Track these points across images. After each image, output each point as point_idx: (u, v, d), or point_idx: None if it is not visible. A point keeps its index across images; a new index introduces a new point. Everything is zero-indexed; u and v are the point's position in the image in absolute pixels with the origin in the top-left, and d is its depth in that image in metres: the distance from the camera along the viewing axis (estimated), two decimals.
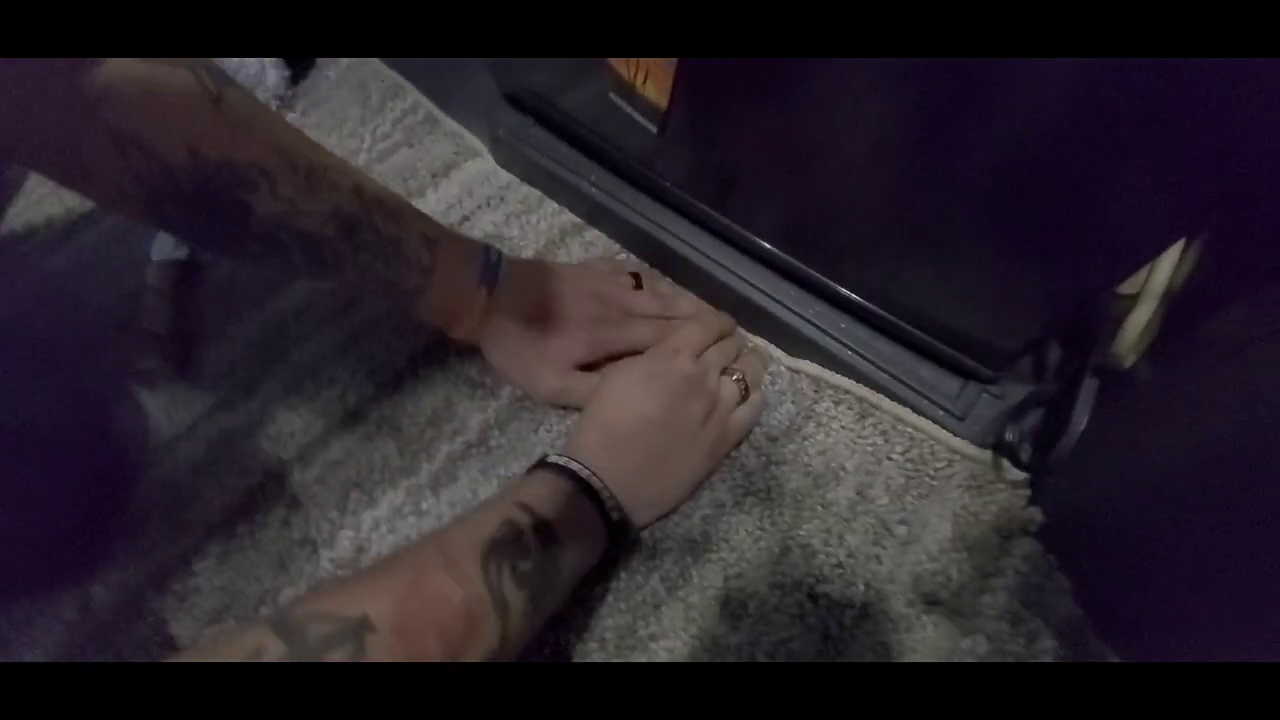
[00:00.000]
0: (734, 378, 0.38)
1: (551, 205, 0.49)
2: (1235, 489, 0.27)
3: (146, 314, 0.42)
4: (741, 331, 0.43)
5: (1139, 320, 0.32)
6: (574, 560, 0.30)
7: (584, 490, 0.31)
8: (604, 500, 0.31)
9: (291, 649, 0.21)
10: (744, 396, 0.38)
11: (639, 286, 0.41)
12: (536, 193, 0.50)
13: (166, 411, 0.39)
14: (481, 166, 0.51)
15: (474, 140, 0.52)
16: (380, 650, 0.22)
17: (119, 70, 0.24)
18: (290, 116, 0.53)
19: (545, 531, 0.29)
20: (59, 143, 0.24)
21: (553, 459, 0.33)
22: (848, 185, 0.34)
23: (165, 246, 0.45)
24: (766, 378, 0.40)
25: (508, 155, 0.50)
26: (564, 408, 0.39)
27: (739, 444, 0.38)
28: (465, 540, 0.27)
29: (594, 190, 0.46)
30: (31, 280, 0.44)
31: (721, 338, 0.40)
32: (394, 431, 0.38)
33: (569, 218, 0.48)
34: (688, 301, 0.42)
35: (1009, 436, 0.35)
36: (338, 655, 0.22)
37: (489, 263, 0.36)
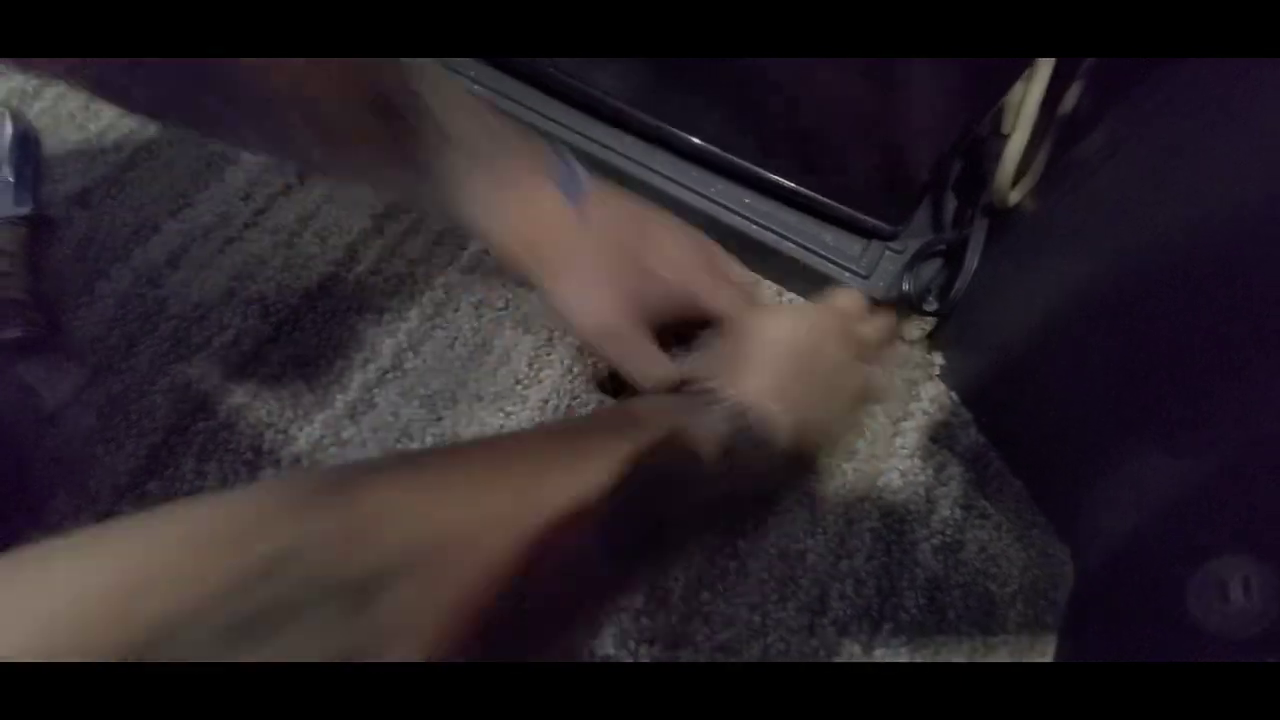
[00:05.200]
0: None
1: None
2: (1108, 305, 0.29)
3: (1, 280, 0.38)
4: None
5: (1014, 152, 0.33)
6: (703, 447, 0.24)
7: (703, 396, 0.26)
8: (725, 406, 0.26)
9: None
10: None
11: None
12: None
13: (46, 383, 0.36)
14: None
15: None
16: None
17: None
18: None
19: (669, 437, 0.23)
20: None
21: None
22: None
23: (4, 203, 0.40)
24: None
25: None
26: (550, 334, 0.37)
27: (865, 405, 0.35)
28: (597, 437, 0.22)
29: (475, 87, 0.43)
30: None
31: None
32: (301, 369, 0.36)
33: None
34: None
35: (906, 287, 0.36)
36: None
37: (571, 175, 0.30)
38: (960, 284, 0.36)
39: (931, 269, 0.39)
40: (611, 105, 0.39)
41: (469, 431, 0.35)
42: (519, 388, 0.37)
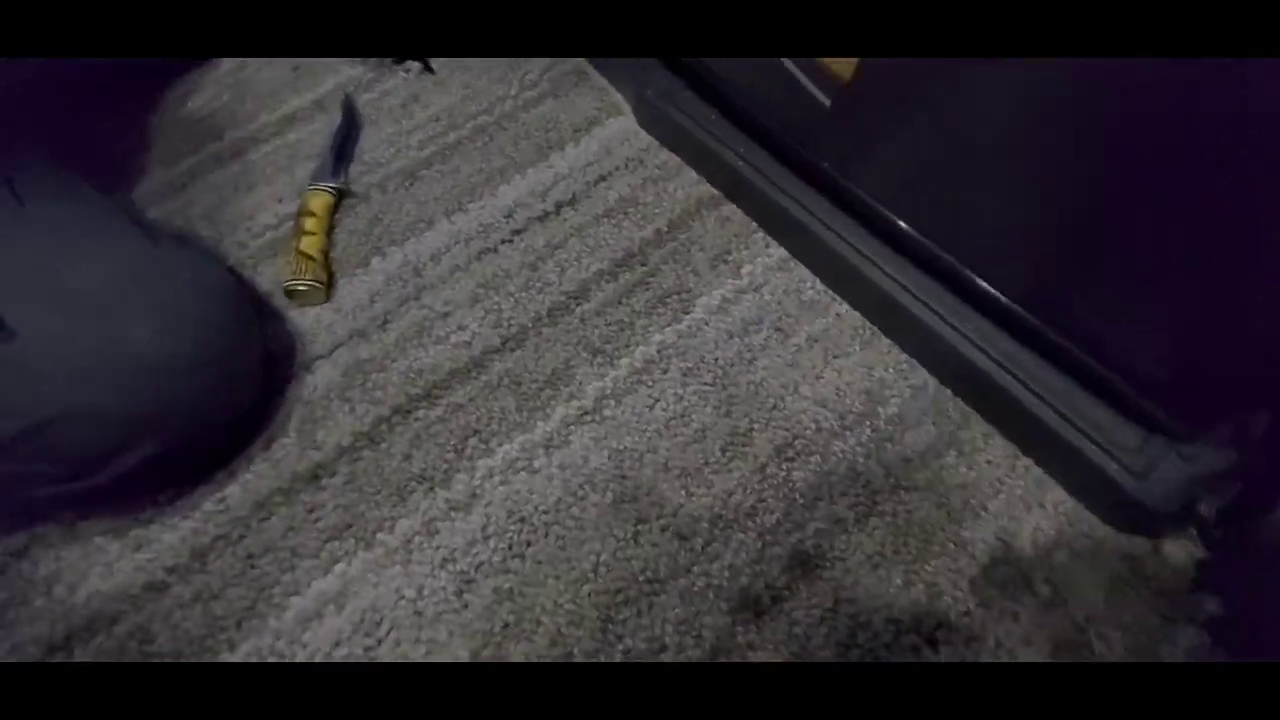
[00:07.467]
0: None
1: (690, 174, 0.47)
2: None
3: (304, 237, 0.44)
4: None
5: None
6: None
7: None
8: None
9: None
10: None
11: None
12: (676, 159, 0.47)
13: (311, 333, 0.41)
14: (623, 126, 0.49)
15: (618, 97, 0.51)
16: None
17: None
18: (437, 61, 0.53)
19: None
20: None
21: None
22: (1046, 181, 0.30)
23: (324, 173, 0.47)
24: (907, 391, 0.37)
25: (651, 117, 0.48)
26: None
27: None
28: None
29: (740, 163, 0.43)
30: (199, 192, 0.48)
31: None
32: (514, 386, 0.38)
33: (707, 189, 0.46)
34: None
35: (1203, 510, 0.30)
36: None
37: None
38: (1272, 524, 0.29)
39: (1228, 489, 0.32)
40: (879, 214, 0.38)
41: (647, 500, 0.35)
42: (707, 470, 0.35)
